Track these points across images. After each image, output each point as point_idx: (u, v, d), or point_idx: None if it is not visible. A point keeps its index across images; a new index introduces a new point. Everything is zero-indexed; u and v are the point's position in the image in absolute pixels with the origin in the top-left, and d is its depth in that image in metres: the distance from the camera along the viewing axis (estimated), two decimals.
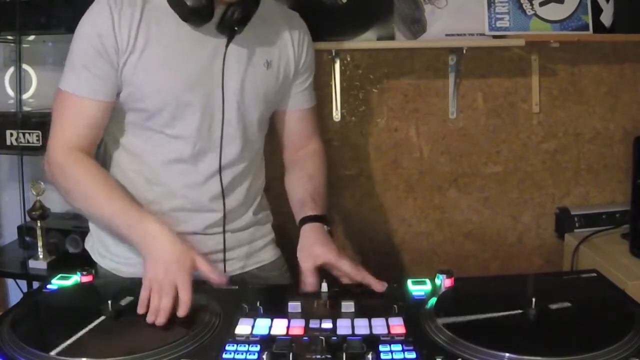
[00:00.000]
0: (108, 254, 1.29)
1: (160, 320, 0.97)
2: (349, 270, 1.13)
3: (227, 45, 1.17)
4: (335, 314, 0.98)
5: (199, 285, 1.06)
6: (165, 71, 1.15)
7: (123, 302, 1.02)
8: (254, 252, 1.34)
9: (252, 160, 1.31)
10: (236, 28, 1.16)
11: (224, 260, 1.28)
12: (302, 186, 1.33)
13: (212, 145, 1.23)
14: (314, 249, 1.18)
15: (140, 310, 0.99)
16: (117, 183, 1.20)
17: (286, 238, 1.38)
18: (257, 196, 1.36)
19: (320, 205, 1.28)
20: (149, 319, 0.97)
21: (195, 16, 1.13)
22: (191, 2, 1.10)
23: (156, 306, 0.98)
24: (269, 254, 1.38)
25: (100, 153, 1.27)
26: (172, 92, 1.16)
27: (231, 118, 1.22)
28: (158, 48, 1.15)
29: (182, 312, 0.98)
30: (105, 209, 1.14)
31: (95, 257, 1.32)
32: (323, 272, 1.17)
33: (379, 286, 1.10)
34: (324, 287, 1.09)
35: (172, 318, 0.98)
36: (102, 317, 0.96)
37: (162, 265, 1.04)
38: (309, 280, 1.14)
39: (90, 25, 1.14)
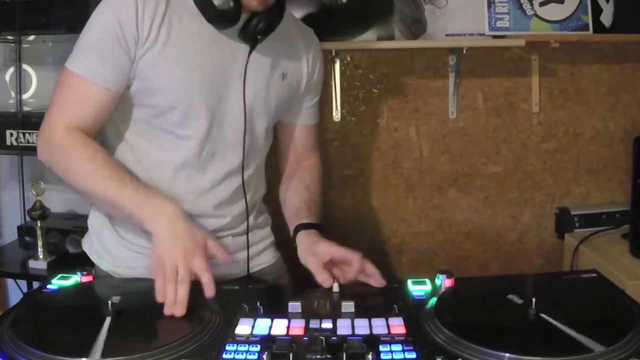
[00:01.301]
0: (107, 255, 1.27)
1: (180, 312, 0.96)
2: (357, 262, 1.12)
3: (249, 54, 1.17)
4: (335, 314, 0.98)
5: (197, 285, 1.05)
6: (182, 69, 1.15)
7: (123, 302, 1.01)
8: (254, 255, 1.34)
9: (257, 168, 1.32)
10: (259, 37, 1.16)
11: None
12: (298, 195, 1.33)
13: (220, 151, 1.22)
14: (317, 248, 1.17)
15: (160, 299, 0.99)
16: (123, 164, 1.18)
17: (284, 240, 1.38)
18: (258, 202, 1.37)
19: (315, 215, 1.28)
20: (167, 311, 0.97)
21: (220, 18, 1.13)
22: (219, 4, 1.10)
23: (172, 298, 0.98)
24: (269, 257, 1.38)
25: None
26: (186, 91, 1.16)
27: (243, 125, 1.22)
28: (178, 45, 1.14)
29: (209, 293, 0.99)
30: (111, 188, 1.10)
31: (93, 258, 1.30)
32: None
33: (379, 281, 1.11)
34: (335, 287, 1.09)
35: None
36: (102, 317, 0.96)
37: (177, 247, 1.02)
38: (322, 277, 1.13)
39: (113, 11, 1.11)
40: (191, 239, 1.04)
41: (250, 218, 1.32)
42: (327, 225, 1.28)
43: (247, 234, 1.29)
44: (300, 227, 1.24)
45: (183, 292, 0.98)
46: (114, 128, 1.23)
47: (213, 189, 1.24)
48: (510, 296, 1.01)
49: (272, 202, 1.44)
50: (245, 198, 1.27)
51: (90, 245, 1.32)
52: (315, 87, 1.37)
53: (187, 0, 1.14)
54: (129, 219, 1.11)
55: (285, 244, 1.39)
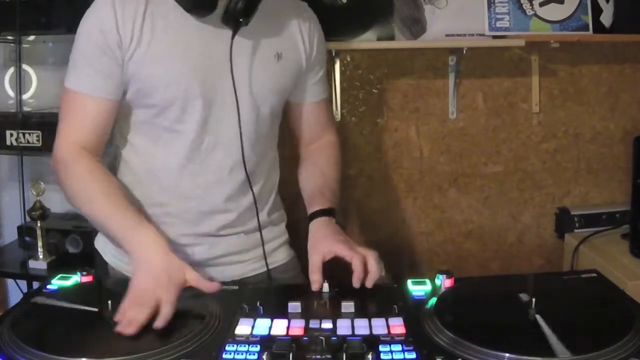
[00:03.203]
0: (119, 255, 1.26)
1: (129, 330, 0.91)
2: (358, 268, 1.10)
3: (232, 37, 1.16)
4: (335, 314, 0.98)
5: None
6: (173, 64, 1.14)
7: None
8: (268, 253, 1.32)
9: (265, 156, 1.30)
10: (241, 19, 1.15)
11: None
12: (313, 181, 1.32)
13: (221, 141, 1.21)
14: (325, 244, 1.16)
15: (118, 317, 0.94)
16: (120, 187, 1.18)
17: (299, 239, 1.37)
18: (271, 195, 1.35)
19: (329, 199, 1.26)
20: (119, 329, 0.92)
21: (198, 6, 1.12)
22: None
23: (130, 317, 0.93)
24: (282, 255, 1.37)
25: (110, 155, 1.26)
26: (180, 85, 1.15)
27: (242, 112, 1.20)
28: (164, 42, 1.14)
29: (158, 324, 0.93)
30: (103, 213, 1.11)
31: (106, 257, 1.30)
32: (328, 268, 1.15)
33: (369, 284, 1.09)
34: (325, 287, 1.09)
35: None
36: (103, 317, 0.96)
37: (150, 278, 1.00)
38: (314, 278, 1.12)
39: (93, 22, 1.13)
40: (165, 274, 1.01)
41: (264, 213, 1.31)
42: None
43: (259, 217, 1.27)
44: (314, 215, 1.23)
45: (140, 315, 0.93)
46: (119, 133, 1.24)
47: (219, 182, 1.23)
48: (518, 295, 1.01)
49: (286, 198, 1.42)
50: (251, 187, 1.24)
51: (104, 244, 1.32)
52: (318, 62, 1.33)
53: None
54: (119, 245, 1.12)
55: (299, 242, 1.38)
